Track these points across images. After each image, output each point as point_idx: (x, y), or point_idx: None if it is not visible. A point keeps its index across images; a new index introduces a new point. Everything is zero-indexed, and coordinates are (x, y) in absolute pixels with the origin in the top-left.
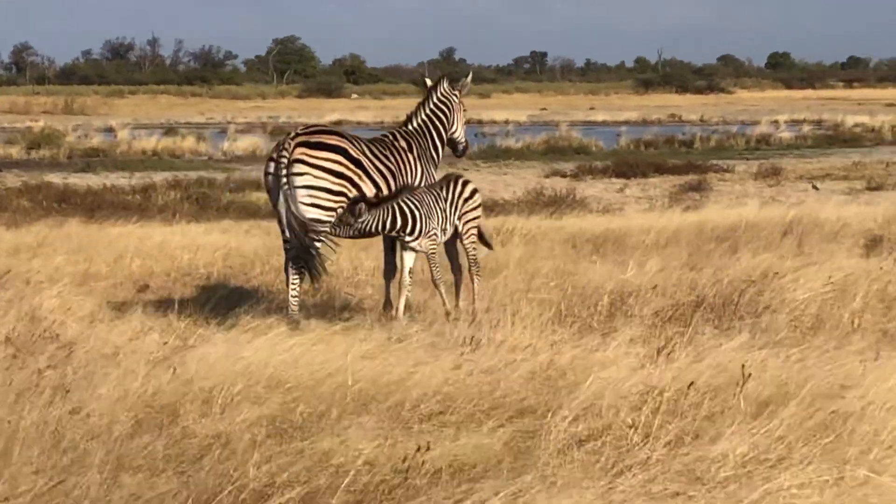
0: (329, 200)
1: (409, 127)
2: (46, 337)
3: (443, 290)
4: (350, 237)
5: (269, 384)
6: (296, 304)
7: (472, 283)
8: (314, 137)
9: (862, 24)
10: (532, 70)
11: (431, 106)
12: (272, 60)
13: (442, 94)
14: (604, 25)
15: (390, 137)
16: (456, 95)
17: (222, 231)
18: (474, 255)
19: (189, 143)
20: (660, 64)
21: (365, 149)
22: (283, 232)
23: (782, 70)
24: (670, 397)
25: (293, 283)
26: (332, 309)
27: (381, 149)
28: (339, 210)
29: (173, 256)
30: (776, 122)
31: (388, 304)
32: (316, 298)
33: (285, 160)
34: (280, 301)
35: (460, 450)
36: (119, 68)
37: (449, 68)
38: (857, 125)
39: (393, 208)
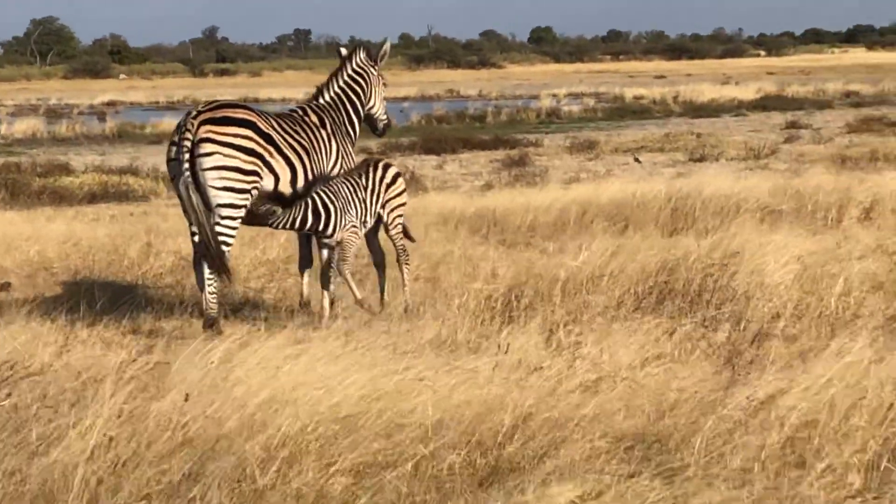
0: (242, 182)
1: (321, 101)
2: None
3: (349, 278)
4: (263, 226)
5: (320, 414)
6: (214, 301)
7: (402, 274)
8: (219, 112)
9: None
10: (296, 48)
11: (346, 78)
12: (32, 42)
13: (358, 65)
14: (366, 2)
15: (300, 112)
16: (374, 67)
17: (49, 219)
18: (402, 244)
19: None
20: (429, 39)
21: (274, 123)
22: (189, 224)
23: (545, 44)
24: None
25: (209, 280)
26: (243, 307)
27: (290, 124)
28: (254, 192)
29: (19, 249)
30: (555, 95)
31: (302, 297)
32: None
33: (189, 141)
34: (187, 301)
35: None
36: None
37: (213, 47)
38: (637, 97)
39: (306, 204)
